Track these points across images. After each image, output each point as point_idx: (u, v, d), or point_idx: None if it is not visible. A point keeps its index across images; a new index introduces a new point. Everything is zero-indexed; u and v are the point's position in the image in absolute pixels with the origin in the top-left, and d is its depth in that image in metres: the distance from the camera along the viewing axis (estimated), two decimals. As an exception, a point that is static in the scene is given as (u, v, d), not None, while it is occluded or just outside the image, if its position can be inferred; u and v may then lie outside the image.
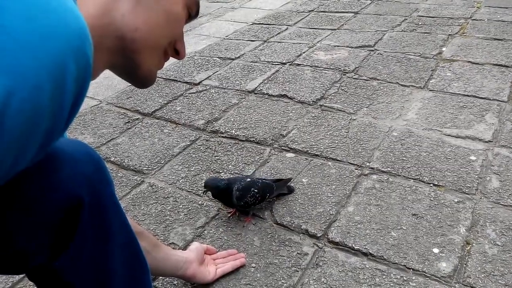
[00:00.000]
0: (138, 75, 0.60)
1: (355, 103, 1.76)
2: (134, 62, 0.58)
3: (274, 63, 2.20)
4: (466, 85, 1.82)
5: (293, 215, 1.21)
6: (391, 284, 0.99)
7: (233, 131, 1.64)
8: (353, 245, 1.09)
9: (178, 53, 0.64)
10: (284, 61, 2.21)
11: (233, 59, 2.31)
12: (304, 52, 2.29)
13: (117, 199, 0.62)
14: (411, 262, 1.03)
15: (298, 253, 1.09)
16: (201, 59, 2.34)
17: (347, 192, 1.28)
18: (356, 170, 1.37)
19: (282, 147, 1.52)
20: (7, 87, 0.33)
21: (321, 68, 2.09)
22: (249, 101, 1.86)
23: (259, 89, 1.95)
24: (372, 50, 2.24)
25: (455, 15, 2.62)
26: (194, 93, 1.98)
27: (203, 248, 1.04)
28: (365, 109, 1.71)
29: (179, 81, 2.11)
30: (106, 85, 2.11)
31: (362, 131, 1.57)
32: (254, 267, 1.06)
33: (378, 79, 1.94)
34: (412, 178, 1.31)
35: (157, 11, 0.56)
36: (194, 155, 1.52)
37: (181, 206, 1.29)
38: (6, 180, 0.40)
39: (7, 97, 0.34)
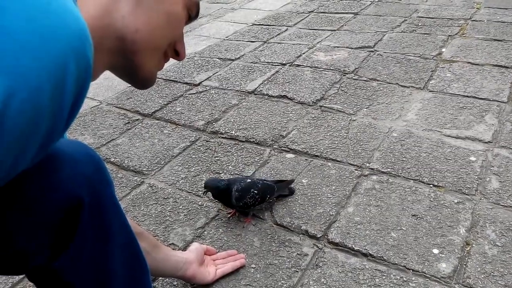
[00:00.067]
0: (138, 76, 0.60)
1: (355, 103, 1.76)
2: (134, 63, 0.58)
3: (274, 64, 2.20)
4: (466, 86, 1.82)
5: (293, 215, 1.21)
6: (391, 285, 0.99)
7: (233, 132, 1.64)
8: (353, 246, 1.09)
9: (178, 54, 0.64)
10: (284, 62, 2.21)
11: (233, 60, 2.31)
12: (304, 53, 2.29)
13: (117, 199, 0.63)
14: (411, 263, 1.04)
15: (298, 253, 1.09)
16: (201, 60, 2.34)
17: (347, 192, 1.28)
18: (356, 171, 1.37)
19: (282, 148, 1.52)
20: (7, 87, 0.34)
21: (321, 69, 2.09)
22: (249, 102, 1.86)
23: (259, 90, 1.95)
24: (372, 51, 2.24)
25: (454, 16, 2.62)
26: (194, 94, 1.98)
27: (203, 249, 1.04)
28: (365, 109, 1.71)
29: (179, 82, 2.11)
30: (106, 86, 2.11)
31: (362, 131, 1.57)
32: (254, 267, 1.06)
33: (378, 80, 1.94)
34: (412, 179, 1.31)
35: (157, 12, 0.56)
36: (194, 156, 1.53)
37: (181, 207, 1.29)
38: (7, 181, 0.40)
39: (8, 98, 0.34)
